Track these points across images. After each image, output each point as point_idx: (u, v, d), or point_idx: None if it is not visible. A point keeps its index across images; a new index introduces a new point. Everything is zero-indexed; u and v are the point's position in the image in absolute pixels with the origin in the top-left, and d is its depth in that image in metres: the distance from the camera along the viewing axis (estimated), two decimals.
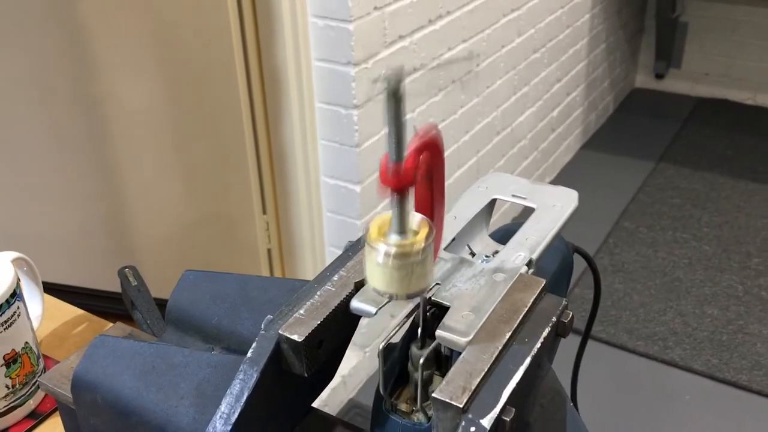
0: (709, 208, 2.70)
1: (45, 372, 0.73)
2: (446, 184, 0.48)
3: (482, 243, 0.60)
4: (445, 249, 0.55)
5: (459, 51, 1.97)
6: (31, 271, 0.78)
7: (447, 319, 0.47)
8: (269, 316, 0.49)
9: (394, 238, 0.42)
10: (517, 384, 0.43)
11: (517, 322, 0.47)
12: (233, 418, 0.45)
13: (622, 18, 3.17)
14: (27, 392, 0.71)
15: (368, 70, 1.63)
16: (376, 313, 0.47)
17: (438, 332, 0.46)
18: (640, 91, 3.64)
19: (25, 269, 0.77)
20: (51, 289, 0.82)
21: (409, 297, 0.44)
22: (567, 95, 2.81)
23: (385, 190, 0.41)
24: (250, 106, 1.69)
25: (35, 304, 0.79)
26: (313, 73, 1.64)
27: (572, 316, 0.48)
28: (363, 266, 0.48)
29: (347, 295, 0.50)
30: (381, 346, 0.49)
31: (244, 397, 0.46)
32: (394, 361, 0.51)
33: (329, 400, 1.86)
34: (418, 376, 0.49)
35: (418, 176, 0.43)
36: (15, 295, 0.68)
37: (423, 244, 0.42)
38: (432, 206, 0.46)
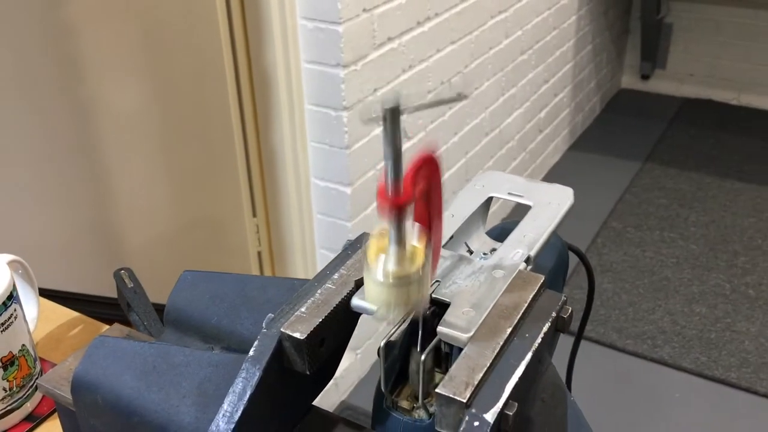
0: (695, 208, 2.72)
1: (42, 374, 0.73)
2: None
3: (479, 240, 0.60)
4: (443, 247, 0.55)
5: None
6: (27, 274, 0.78)
7: (448, 316, 0.47)
8: (270, 315, 0.49)
9: (392, 259, 0.44)
10: (519, 379, 0.44)
11: (518, 317, 0.47)
12: (236, 417, 0.45)
13: (608, 19, 3.19)
14: (24, 395, 0.71)
15: (357, 72, 1.63)
16: (377, 311, 0.47)
17: (439, 328, 0.47)
18: (627, 92, 3.66)
19: (20, 272, 0.77)
20: (42, 294, 0.82)
21: (407, 311, 0.46)
22: (554, 96, 2.83)
23: (385, 209, 0.42)
24: (239, 108, 1.69)
25: (31, 306, 0.78)
26: (302, 75, 1.64)
27: (571, 311, 0.49)
28: (362, 265, 0.49)
29: (348, 293, 0.50)
30: (382, 344, 0.49)
31: (247, 395, 0.46)
32: (395, 358, 0.52)
33: (321, 401, 1.84)
34: (419, 372, 0.50)
35: (416, 193, 0.43)
36: (11, 297, 0.68)
37: (422, 262, 0.44)
38: (430, 222, 0.47)
